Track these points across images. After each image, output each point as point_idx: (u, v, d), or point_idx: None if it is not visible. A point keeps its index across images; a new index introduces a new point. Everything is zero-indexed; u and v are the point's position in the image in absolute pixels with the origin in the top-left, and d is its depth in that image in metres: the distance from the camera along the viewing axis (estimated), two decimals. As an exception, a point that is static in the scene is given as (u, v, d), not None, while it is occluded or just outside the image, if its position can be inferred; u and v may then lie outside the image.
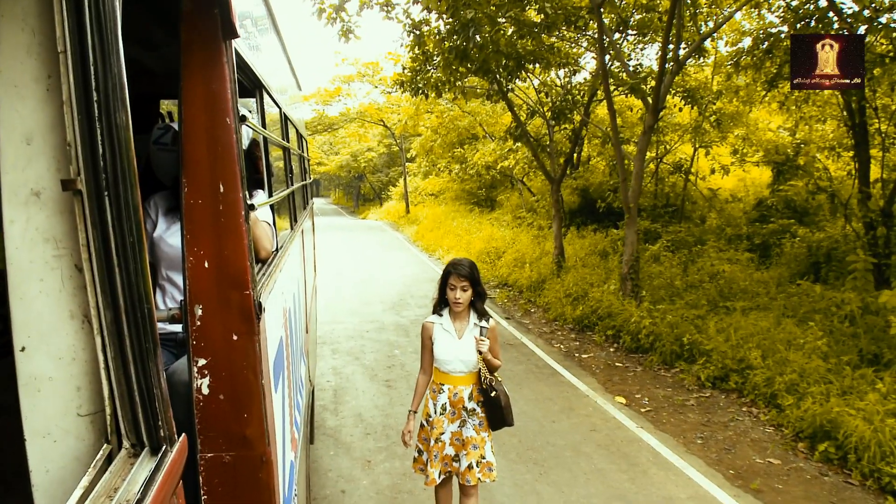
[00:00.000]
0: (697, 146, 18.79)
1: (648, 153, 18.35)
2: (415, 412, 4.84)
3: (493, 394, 4.63)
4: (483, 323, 4.76)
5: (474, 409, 4.71)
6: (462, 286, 4.64)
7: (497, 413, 4.66)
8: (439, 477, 4.72)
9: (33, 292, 1.31)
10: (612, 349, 11.22)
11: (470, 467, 4.66)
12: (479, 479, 4.68)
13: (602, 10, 12.41)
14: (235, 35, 2.09)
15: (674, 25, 11.81)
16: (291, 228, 4.83)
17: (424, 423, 4.86)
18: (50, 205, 1.31)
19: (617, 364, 10.45)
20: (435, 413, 4.76)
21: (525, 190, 25.61)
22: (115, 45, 1.28)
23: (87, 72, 1.25)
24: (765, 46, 12.67)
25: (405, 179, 42.18)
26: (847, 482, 6.45)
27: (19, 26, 1.28)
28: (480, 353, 4.64)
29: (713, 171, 19.52)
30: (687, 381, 9.40)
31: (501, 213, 26.56)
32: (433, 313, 4.89)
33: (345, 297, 15.36)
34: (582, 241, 18.08)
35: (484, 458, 4.74)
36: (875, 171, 12.39)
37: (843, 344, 8.91)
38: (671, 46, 12.26)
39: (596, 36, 13.55)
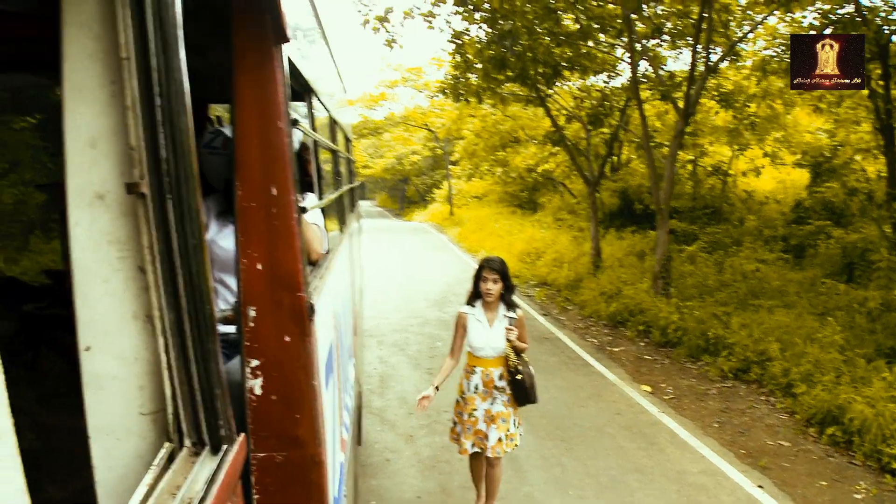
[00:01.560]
0: (735, 148, 18.73)
1: (687, 155, 18.63)
2: (437, 388, 5.21)
3: (518, 376, 5.13)
4: (511, 314, 5.27)
5: (503, 388, 5.24)
6: (493, 278, 5.21)
7: (522, 392, 5.19)
8: (471, 448, 5.30)
9: (98, 293, 1.32)
10: (642, 343, 11.66)
11: (500, 440, 5.22)
12: (505, 451, 5.28)
13: (634, 18, 12.50)
14: (286, 40, 2.09)
15: (703, 32, 11.97)
16: (340, 231, 4.83)
17: (459, 399, 5.43)
18: (114, 207, 1.31)
19: (646, 357, 10.90)
20: (469, 391, 5.32)
21: (566, 192, 25.45)
22: (177, 51, 1.28)
23: (150, 78, 1.25)
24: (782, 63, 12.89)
25: (449, 182, 42.20)
26: (851, 463, 6.91)
27: (84, 32, 1.30)
28: (509, 340, 5.17)
29: (745, 174, 19.48)
30: (711, 373, 9.84)
31: (543, 215, 26.51)
32: (466, 304, 5.42)
33: (390, 295, 15.62)
34: (620, 243, 18.20)
35: (509, 430, 5.28)
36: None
37: (861, 339, 9.22)
38: (701, 53, 12.37)
39: (636, 42, 13.69)
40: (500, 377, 5.25)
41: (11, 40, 3.08)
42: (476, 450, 5.29)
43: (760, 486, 6.37)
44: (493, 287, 5.20)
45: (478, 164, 33.14)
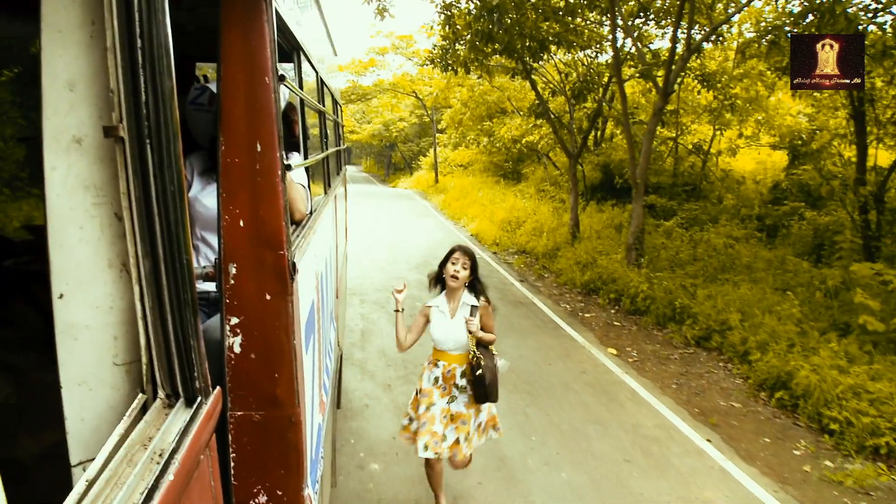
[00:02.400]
0: (717, 128, 19.00)
1: (669, 133, 19.00)
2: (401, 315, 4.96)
3: (478, 372, 4.67)
4: (473, 301, 4.84)
5: (465, 387, 4.81)
6: (464, 263, 4.78)
7: (481, 389, 4.69)
8: (423, 451, 4.74)
9: (73, 240, 1.27)
10: (613, 311, 12.12)
11: (457, 441, 4.79)
12: (464, 453, 4.81)
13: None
14: None
15: (686, 13, 12.22)
16: (325, 193, 4.70)
17: (417, 391, 4.99)
18: (91, 152, 1.26)
19: (615, 323, 11.39)
20: (427, 383, 4.88)
21: (550, 164, 25.51)
22: None
23: (132, 18, 1.19)
24: (768, 38, 12.84)
25: (435, 150, 41.91)
26: (795, 424, 7.45)
27: (63, -29, 1.26)
28: (471, 332, 4.72)
29: (720, 153, 19.76)
30: (675, 340, 10.33)
31: (526, 186, 26.69)
32: (430, 290, 5.05)
33: (374, 258, 16.00)
34: (600, 215, 18.54)
35: (469, 433, 4.85)
36: (882, 159, 12.69)
37: (818, 313, 9.68)
38: (682, 33, 12.69)
39: (620, 19, 13.83)
40: (463, 374, 4.84)
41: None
42: (429, 454, 4.77)
43: (708, 440, 6.91)
44: (461, 272, 4.78)
45: (464, 132, 33.23)
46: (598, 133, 22.97)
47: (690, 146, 19.88)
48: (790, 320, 9.29)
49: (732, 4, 13.77)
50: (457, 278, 4.78)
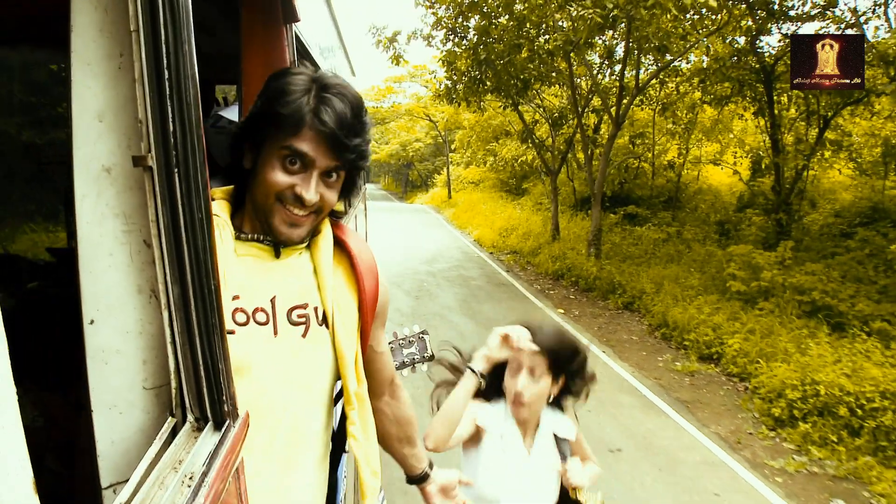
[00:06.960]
0: (688, 147, 21.20)
1: (648, 153, 21.80)
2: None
3: None
4: (562, 425, 2.54)
5: None
6: (533, 365, 2.38)
7: None
8: None
9: (102, 267, 1.23)
10: (572, 289, 15.49)
11: None
12: None
13: (571, 54, 14.96)
14: (296, 19, 1.99)
15: (631, 54, 14.99)
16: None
17: None
18: (120, 181, 1.23)
19: (571, 297, 14.80)
20: None
21: (547, 180, 26.47)
22: (187, 23, 1.21)
23: (159, 50, 1.15)
24: (694, 80, 16.30)
25: (448, 168, 42.78)
26: (668, 347, 10.77)
27: (92, 5, 1.20)
28: (573, 487, 2.36)
29: (672, 166, 22.22)
30: (610, 306, 13.64)
31: (526, 200, 29.06)
32: (481, 395, 2.53)
33: (392, 256, 18.96)
34: (584, 223, 20.62)
35: None
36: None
37: (717, 284, 12.38)
38: (630, 71, 15.47)
39: (590, 61, 16.80)
40: None
41: (20, 13, 3.02)
42: None
43: (603, 352, 10.21)
44: (531, 389, 2.39)
45: (474, 152, 34.45)
46: (589, 152, 24.92)
47: (665, 163, 22.25)
48: (691, 289, 12.18)
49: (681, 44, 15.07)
50: (521, 403, 2.39)
